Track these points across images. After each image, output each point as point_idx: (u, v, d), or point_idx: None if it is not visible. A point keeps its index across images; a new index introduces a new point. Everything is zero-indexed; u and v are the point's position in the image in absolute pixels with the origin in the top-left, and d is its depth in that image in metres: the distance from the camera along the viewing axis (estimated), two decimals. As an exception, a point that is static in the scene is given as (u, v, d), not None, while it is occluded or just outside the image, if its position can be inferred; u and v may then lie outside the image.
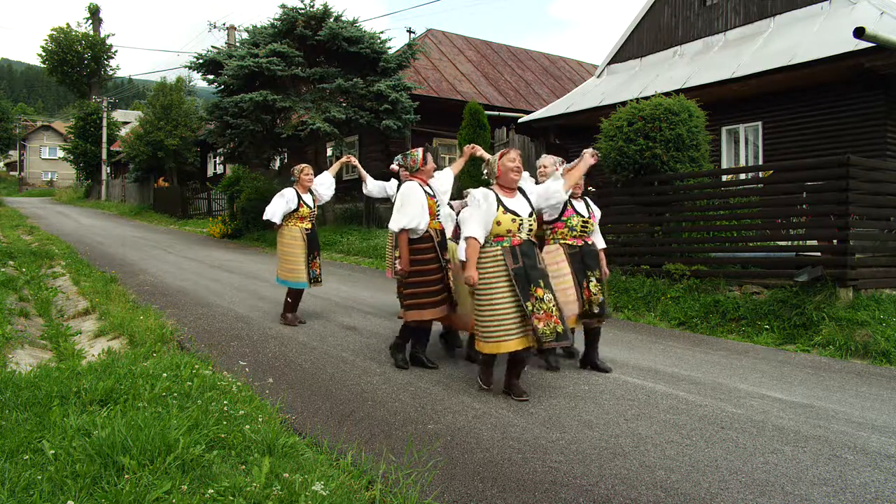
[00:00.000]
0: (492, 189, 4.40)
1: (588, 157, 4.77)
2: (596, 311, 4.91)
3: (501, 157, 4.39)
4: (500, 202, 4.30)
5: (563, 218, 5.01)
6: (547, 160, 5.32)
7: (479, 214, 4.28)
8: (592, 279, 4.94)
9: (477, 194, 4.35)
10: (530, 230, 4.38)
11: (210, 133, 17.58)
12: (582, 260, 4.97)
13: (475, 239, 4.27)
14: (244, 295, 8.57)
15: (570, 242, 4.99)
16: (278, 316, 6.96)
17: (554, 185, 4.62)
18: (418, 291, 4.91)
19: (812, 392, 4.64)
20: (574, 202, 5.07)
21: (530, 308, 4.18)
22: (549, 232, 5.05)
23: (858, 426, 3.90)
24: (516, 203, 4.38)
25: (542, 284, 4.24)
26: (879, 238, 7.02)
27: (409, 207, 4.90)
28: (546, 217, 5.01)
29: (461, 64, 21.19)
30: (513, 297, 4.20)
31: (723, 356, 5.69)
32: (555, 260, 4.94)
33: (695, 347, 6.08)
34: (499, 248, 4.28)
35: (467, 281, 4.30)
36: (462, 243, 4.39)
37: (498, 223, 4.26)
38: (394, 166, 5.81)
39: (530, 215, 4.39)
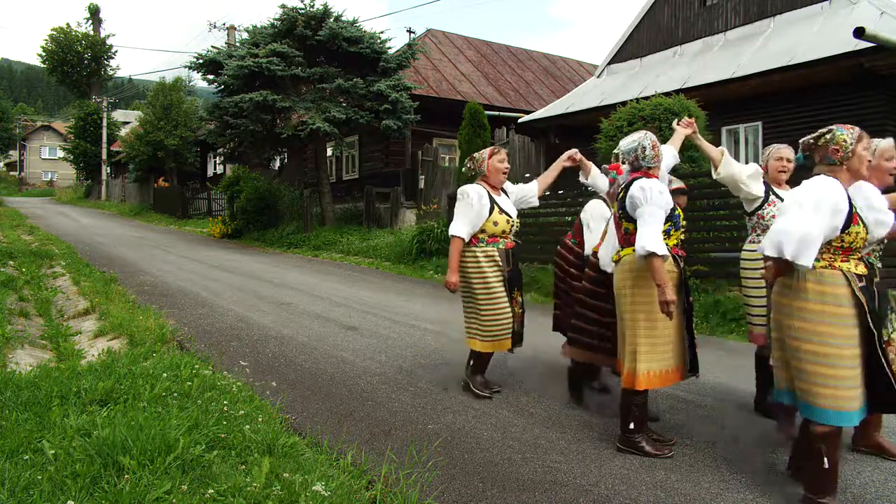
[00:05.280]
0: (483, 187, 4.26)
1: (563, 158, 4.46)
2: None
3: (491, 156, 4.29)
4: (494, 202, 4.22)
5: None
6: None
7: (471, 213, 4.16)
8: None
9: (471, 192, 4.18)
10: (515, 232, 4.37)
11: (210, 133, 17.60)
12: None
13: (461, 238, 4.16)
14: (244, 295, 8.57)
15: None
16: (278, 316, 6.92)
17: (528, 186, 4.57)
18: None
19: (812, 392, 4.64)
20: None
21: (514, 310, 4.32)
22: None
23: (858, 426, 3.90)
24: (506, 203, 4.34)
25: (518, 288, 4.36)
26: (879, 238, 7.00)
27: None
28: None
29: (461, 64, 21.19)
30: (507, 297, 4.25)
31: (723, 356, 5.69)
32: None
33: (695, 347, 6.07)
34: (495, 249, 4.23)
35: (448, 286, 4.19)
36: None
37: (495, 223, 4.18)
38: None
39: (517, 216, 4.40)
